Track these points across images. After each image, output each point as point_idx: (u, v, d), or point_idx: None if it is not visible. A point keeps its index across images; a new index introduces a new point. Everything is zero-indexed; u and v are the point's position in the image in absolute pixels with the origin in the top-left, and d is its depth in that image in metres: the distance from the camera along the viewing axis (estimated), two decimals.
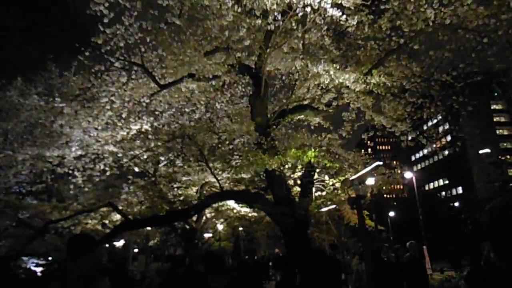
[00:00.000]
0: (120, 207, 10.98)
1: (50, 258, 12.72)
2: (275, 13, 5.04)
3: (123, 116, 8.33)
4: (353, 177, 5.25)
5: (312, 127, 7.62)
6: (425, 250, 15.06)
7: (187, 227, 13.39)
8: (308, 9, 4.74)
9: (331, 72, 4.88)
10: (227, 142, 11.48)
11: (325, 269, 4.58)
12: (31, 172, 10.50)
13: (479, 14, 5.90)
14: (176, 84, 7.13)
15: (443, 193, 79.87)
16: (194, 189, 12.74)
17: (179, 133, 6.50)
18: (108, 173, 8.90)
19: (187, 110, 9.82)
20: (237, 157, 11.78)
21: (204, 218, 14.26)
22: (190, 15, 6.14)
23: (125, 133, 8.29)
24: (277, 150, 5.77)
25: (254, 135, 5.93)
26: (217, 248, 23.21)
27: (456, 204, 54.29)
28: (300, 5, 4.72)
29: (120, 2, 5.65)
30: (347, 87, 5.35)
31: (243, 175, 10.98)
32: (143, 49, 6.85)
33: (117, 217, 11.19)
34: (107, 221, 10.82)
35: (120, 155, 8.99)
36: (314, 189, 7.00)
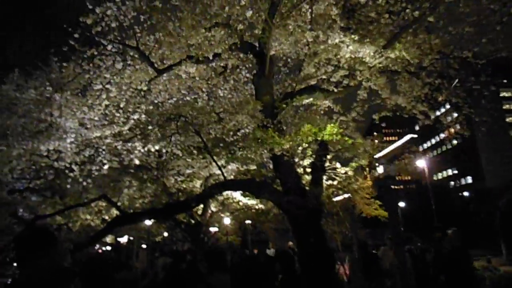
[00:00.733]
0: (121, 203, 10.59)
1: None
2: None
3: (121, 106, 7.90)
4: (380, 154, 4.73)
5: (322, 112, 7.11)
6: None
7: (192, 221, 12.99)
8: None
9: (348, 43, 4.36)
10: (231, 133, 11.03)
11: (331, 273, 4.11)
12: (30, 168, 10.15)
13: None
14: (174, 67, 6.63)
15: (452, 183, 78.96)
16: (199, 182, 12.31)
17: (175, 112, 6.02)
18: (106, 167, 8.47)
19: (188, 99, 9.35)
20: (241, 149, 11.34)
21: (209, 212, 13.84)
22: None
23: (122, 124, 7.85)
24: (285, 134, 5.26)
25: (260, 117, 5.42)
26: (225, 243, 22.89)
27: (466, 194, 53.50)
28: None
29: None
30: (363, 62, 4.81)
31: (250, 167, 10.52)
32: (138, 31, 6.35)
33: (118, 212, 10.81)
34: (107, 217, 10.45)
35: (119, 147, 8.57)
36: (324, 178, 6.49)
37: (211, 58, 5.96)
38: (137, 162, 9.36)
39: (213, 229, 17.96)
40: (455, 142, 77.12)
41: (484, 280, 8.70)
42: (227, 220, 17.61)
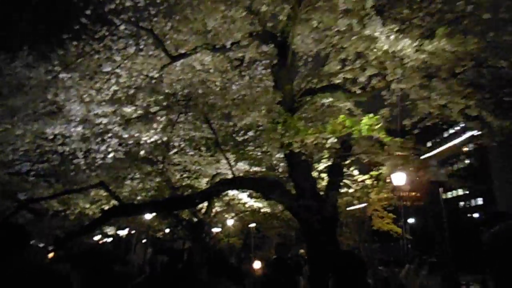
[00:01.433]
0: (124, 194, 10.25)
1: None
2: None
3: (130, 93, 7.57)
4: (427, 155, 4.23)
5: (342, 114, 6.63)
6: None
7: (194, 219, 12.57)
8: None
9: (387, 34, 3.92)
10: (241, 132, 10.63)
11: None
12: (34, 152, 9.90)
13: None
14: (189, 55, 6.26)
15: (461, 203, 77.25)
16: (205, 180, 11.92)
17: (181, 93, 5.63)
18: (110, 155, 8.13)
19: (200, 92, 9.01)
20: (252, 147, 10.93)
21: (213, 211, 13.42)
22: None
23: (130, 111, 7.51)
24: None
25: (278, 109, 4.97)
26: (225, 245, 22.42)
27: (476, 215, 52.11)
28: None
29: None
30: (399, 58, 4.35)
31: (259, 168, 10.10)
32: (153, 12, 6.00)
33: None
34: (107, 207, 10.11)
35: (125, 136, 8.23)
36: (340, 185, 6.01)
37: (228, 46, 5.57)
38: (142, 153, 9.03)
39: (215, 230, 17.54)
40: (467, 161, 75.54)
41: None
42: (230, 222, 17.16)
